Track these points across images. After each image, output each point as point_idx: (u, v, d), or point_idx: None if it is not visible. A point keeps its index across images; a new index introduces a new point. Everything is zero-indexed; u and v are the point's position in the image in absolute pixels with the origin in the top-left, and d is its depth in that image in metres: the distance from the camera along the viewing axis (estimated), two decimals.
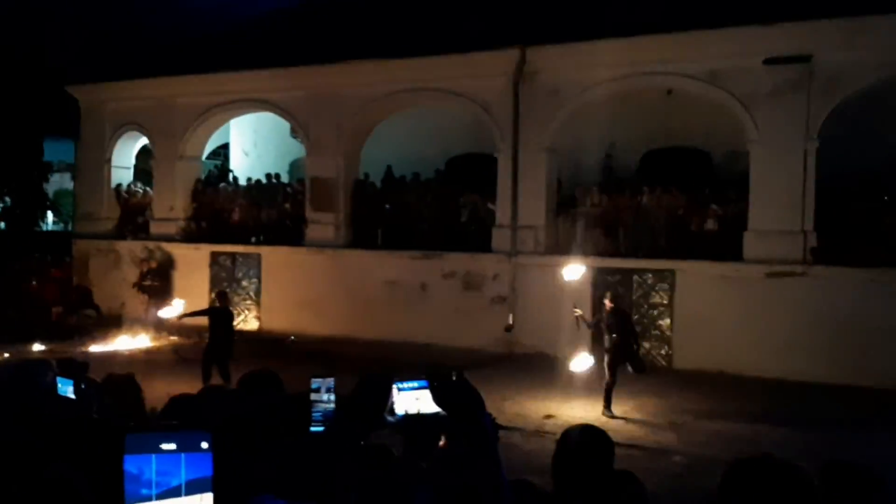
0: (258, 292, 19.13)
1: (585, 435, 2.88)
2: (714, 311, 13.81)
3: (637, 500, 2.84)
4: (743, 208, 14.68)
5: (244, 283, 19.45)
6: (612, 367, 11.23)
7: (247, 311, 19.16)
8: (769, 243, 14.21)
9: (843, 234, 13.93)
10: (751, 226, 14.55)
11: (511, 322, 16.24)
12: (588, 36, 15.32)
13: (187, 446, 1.52)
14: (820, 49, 13.89)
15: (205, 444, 1.54)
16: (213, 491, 1.54)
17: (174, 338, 17.47)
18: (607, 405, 11.29)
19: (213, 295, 13.73)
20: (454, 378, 2.36)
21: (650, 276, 15.09)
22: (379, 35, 18.49)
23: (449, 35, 17.27)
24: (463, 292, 16.87)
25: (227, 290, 16.24)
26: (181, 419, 3.09)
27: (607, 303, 11.62)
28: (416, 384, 2.45)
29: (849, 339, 13.11)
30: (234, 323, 13.70)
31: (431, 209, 17.97)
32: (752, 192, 14.58)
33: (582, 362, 11.50)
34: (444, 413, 2.38)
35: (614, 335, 11.25)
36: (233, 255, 19.57)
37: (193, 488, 1.51)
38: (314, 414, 2.65)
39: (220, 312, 12.75)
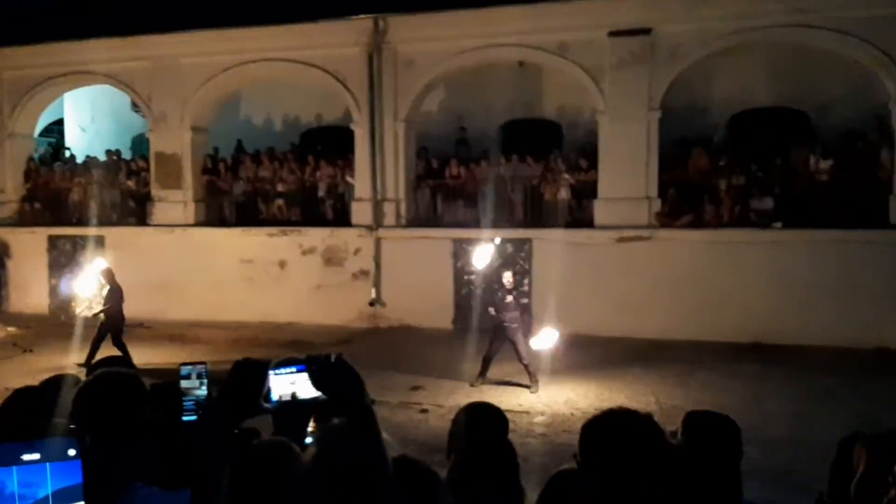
0: None
1: (479, 412, 2.90)
2: (569, 276, 14.32)
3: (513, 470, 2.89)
4: (593, 176, 15.27)
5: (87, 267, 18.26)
6: (498, 340, 11.28)
7: (90, 298, 18.01)
8: (617, 210, 14.86)
9: (685, 199, 14.80)
10: (600, 194, 15.16)
11: (375, 296, 16.19)
12: (441, 6, 15.32)
13: (52, 455, 1.37)
14: (660, 22, 14.55)
15: (72, 452, 1.39)
16: (84, 500, 1.40)
17: (11, 329, 16.27)
18: (483, 374, 11.43)
19: (102, 272, 13.18)
20: (332, 360, 2.28)
21: (509, 245, 15.43)
22: (226, 3, 17.68)
23: (300, 3, 16.75)
24: (324, 268, 16.63)
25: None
26: (24, 413, 2.84)
27: (509, 279, 11.54)
28: (292, 368, 2.36)
29: (691, 297, 13.99)
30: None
31: (287, 184, 17.55)
32: (600, 161, 15.18)
33: (547, 339, 11.36)
34: (322, 397, 2.30)
35: (514, 311, 11.25)
36: (73, 239, 18.31)
37: (62, 499, 1.36)
38: (186, 403, 2.50)
39: (113, 289, 12.79)
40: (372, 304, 16.19)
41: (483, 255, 11.85)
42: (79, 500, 1.41)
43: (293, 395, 2.36)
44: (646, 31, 14.63)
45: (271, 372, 2.36)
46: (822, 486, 3.29)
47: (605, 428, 2.39)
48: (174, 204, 17.71)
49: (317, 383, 2.26)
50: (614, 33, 14.74)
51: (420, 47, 16.01)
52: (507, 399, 10.65)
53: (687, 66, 14.77)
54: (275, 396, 2.36)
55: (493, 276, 11.86)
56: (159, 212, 17.84)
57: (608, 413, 2.45)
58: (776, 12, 13.93)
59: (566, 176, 15.68)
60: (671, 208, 14.88)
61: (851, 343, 12.85)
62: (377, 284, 16.22)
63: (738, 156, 15.00)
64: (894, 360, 12.51)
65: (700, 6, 14.16)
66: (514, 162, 16.02)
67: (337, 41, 16.29)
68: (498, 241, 12.38)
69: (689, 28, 14.43)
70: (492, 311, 11.24)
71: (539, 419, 9.93)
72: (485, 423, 2.87)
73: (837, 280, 13.37)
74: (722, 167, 14.91)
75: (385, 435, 2.23)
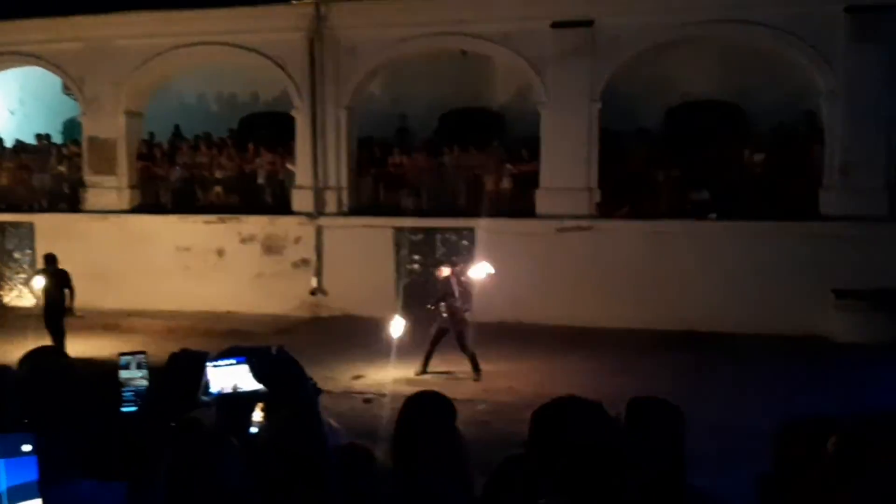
0: (33, 264, 17.39)
1: (427, 401, 2.89)
2: (511, 266, 14.39)
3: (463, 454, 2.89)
4: (535, 167, 15.38)
5: (16, 255, 17.69)
6: (442, 334, 11.29)
7: (21, 286, 17.42)
8: (559, 200, 15.01)
9: (624, 190, 15.02)
10: (542, 184, 15.28)
11: (316, 285, 16.04)
12: None
13: (6, 451, 1.31)
14: (602, 14, 14.71)
15: (27, 447, 1.34)
16: (41, 496, 1.35)
17: None
18: (425, 363, 11.42)
19: (43, 258, 12.81)
20: (274, 352, 2.25)
21: (452, 234, 15.46)
22: None
23: None
24: (264, 256, 16.39)
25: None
26: None
27: (446, 271, 11.53)
28: (231, 360, 2.31)
29: (630, 286, 14.22)
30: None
31: (225, 170, 17.21)
32: (542, 152, 15.29)
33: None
34: (263, 389, 2.27)
35: (456, 302, 11.25)
36: (1, 225, 17.65)
37: (17, 495, 1.30)
38: (125, 393, 2.42)
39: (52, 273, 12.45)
40: (313, 292, 16.04)
41: (397, 327, 11.52)
42: (35, 497, 1.35)
43: (234, 388, 2.31)
44: (588, 24, 14.77)
45: (210, 365, 2.30)
46: (753, 469, 3.38)
47: (554, 415, 2.41)
48: (108, 190, 17.22)
49: (258, 376, 2.22)
50: (557, 24, 14.85)
51: (362, 34, 15.86)
52: (450, 387, 10.63)
53: (627, 59, 14.97)
54: (214, 389, 2.31)
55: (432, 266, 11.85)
56: (92, 198, 17.33)
57: (558, 400, 2.47)
58: (714, 8, 14.23)
59: (508, 166, 15.76)
60: (611, 199, 15.09)
61: (782, 330, 13.26)
62: (318, 273, 16.07)
63: (675, 148, 15.28)
64: (823, 346, 12.96)
65: (639, 0, 14.37)
66: (457, 152, 16.02)
67: (277, 26, 16.02)
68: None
69: (629, 21, 14.62)
70: (433, 306, 11.25)
71: (481, 407, 9.98)
72: (433, 411, 2.86)
73: (769, 270, 13.75)
74: (660, 159, 15.17)
75: (333, 422, 2.21)
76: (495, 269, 13.49)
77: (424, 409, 2.87)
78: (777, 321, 13.38)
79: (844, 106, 13.92)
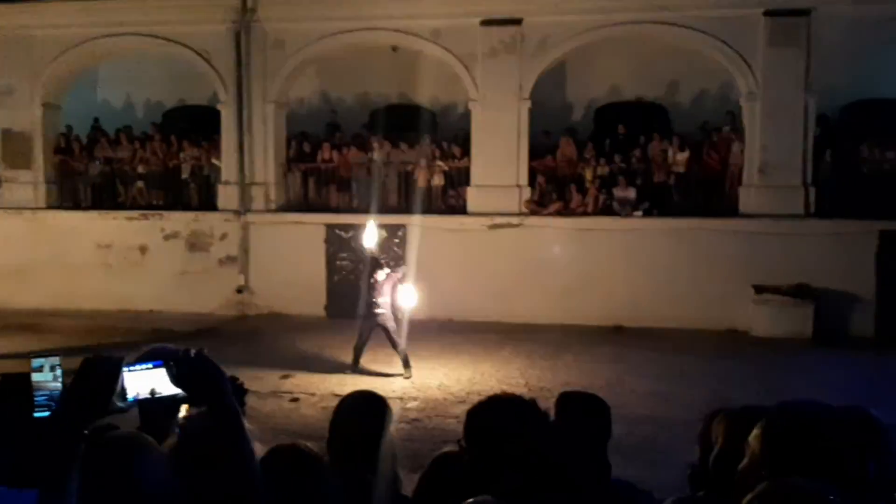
0: None
1: (361, 400, 2.85)
2: (443, 262, 14.43)
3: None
4: (467, 164, 15.43)
5: None
6: (370, 326, 11.21)
7: None
8: (489, 197, 15.09)
9: (553, 187, 15.21)
10: (473, 181, 15.34)
11: (243, 283, 15.72)
12: None
13: None
14: (530, 13, 14.84)
15: None
16: None
17: None
18: (356, 361, 11.32)
19: None
20: (193, 356, 2.17)
21: (383, 231, 15.33)
22: None
23: None
24: (188, 254, 15.98)
25: None
26: None
27: (382, 275, 11.38)
28: (148, 364, 2.21)
29: (558, 283, 14.40)
30: None
31: (148, 165, 16.72)
32: (473, 149, 15.35)
33: (409, 296, 11.11)
34: (182, 394, 2.19)
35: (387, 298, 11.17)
36: None
37: None
38: (38, 398, 2.29)
39: None
40: (239, 291, 15.72)
41: (371, 233, 11.61)
42: None
43: (152, 393, 2.22)
44: (516, 22, 14.88)
45: (126, 369, 2.20)
46: (679, 459, 3.44)
47: (489, 413, 2.42)
48: (23, 185, 16.52)
49: (176, 380, 2.14)
50: (486, 22, 14.91)
51: (290, 27, 15.61)
52: (381, 385, 10.60)
53: (556, 58, 15.15)
54: (131, 395, 2.21)
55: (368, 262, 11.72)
56: (7, 193, 16.61)
57: (492, 398, 2.48)
58: (640, 9, 14.51)
59: (440, 163, 15.77)
60: (540, 196, 15.26)
61: (705, 325, 13.64)
62: (245, 271, 15.76)
63: (602, 147, 15.54)
64: (744, 339, 13.40)
65: (568, 0, 14.55)
66: (388, 148, 15.93)
67: (203, 17, 15.63)
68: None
69: (557, 20, 14.79)
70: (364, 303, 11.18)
71: (412, 405, 9.95)
72: (369, 411, 2.82)
73: (692, 266, 14.12)
74: (587, 157, 15.41)
75: (250, 426, 2.15)
76: (426, 265, 13.51)
77: (360, 408, 2.82)
78: (700, 315, 13.75)
79: (763, 107, 14.38)
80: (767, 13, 14.17)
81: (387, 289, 11.14)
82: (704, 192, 14.85)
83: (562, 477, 2.25)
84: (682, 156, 15.08)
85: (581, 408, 3.13)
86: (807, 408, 2.27)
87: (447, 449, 2.71)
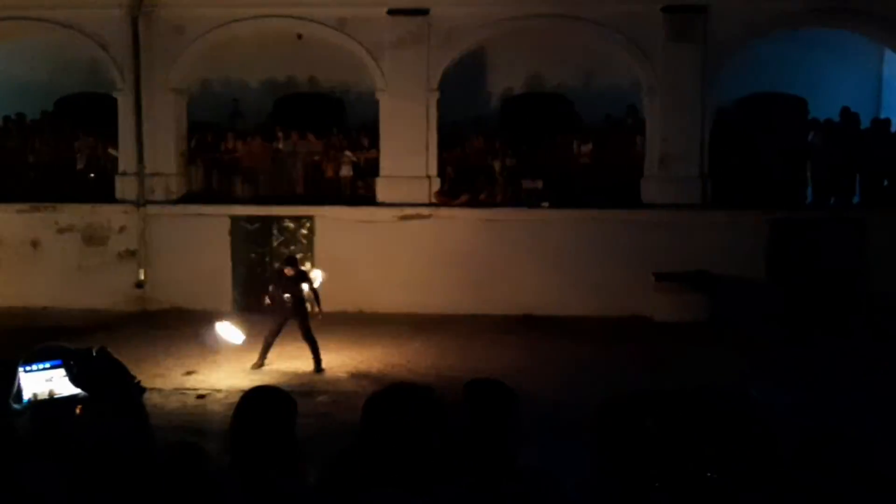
0: None
1: (264, 396, 2.77)
2: (352, 254, 14.31)
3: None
4: (375, 155, 15.32)
5: None
6: (279, 319, 11.01)
7: None
8: (399, 188, 15.03)
9: (462, 179, 15.27)
10: (382, 172, 15.25)
11: (142, 277, 15.17)
12: None
13: None
14: (437, 3, 14.82)
15: None
16: None
17: None
18: (263, 355, 11.08)
19: None
20: (94, 354, 2.07)
21: (290, 222, 15.10)
22: None
23: None
24: (84, 247, 15.30)
25: None
26: None
27: (288, 270, 11.16)
28: (46, 364, 2.09)
29: (468, 273, 14.49)
30: None
31: (40, 155, 15.90)
32: (381, 139, 15.25)
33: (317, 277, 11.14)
34: (82, 393, 2.09)
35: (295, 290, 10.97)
36: None
37: None
38: None
39: None
40: (139, 285, 15.16)
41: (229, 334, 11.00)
42: None
43: (50, 393, 2.11)
44: (424, 12, 14.84)
45: (21, 369, 2.08)
46: (585, 443, 3.51)
47: (385, 402, 2.40)
48: None
49: (76, 380, 2.04)
50: (393, 11, 14.82)
51: (190, 13, 15.12)
52: (290, 380, 10.46)
53: (464, 49, 15.20)
54: (27, 396, 2.09)
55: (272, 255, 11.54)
56: None
57: (389, 388, 2.47)
58: (546, 2, 14.70)
59: (348, 153, 15.60)
60: (450, 187, 15.30)
61: (610, 312, 14.00)
62: (145, 265, 15.20)
63: (510, 138, 15.70)
64: (647, 326, 13.82)
65: None
66: (294, 137, 15.65)
67: (96, 2, 14.95)
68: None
69: (464, 12, 14.84)
70: (270, 289, 11.00)
71: (322, 398, 9.85)
72: (269, 407, 2.74)
73: (597, 255, 14.45)
74: (496, 149, 15.54)
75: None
76: (336, 258, 13.38)
77: (261, 405, 2.74)
78: (605, 303, 14.11)
79: (663, 101, 14.83)
80: (665, 9, 14.61)
81: (296, 282, 10.97)
82: (608, 183, 15.21)
83: (464, 463, 2.26)
84: (587, 147, 15.40)
85: (487, 395, 3.13)
86: (693, 392, 2.37)
87: (345, 446, 2.68)
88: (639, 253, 14.35)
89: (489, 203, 15.14)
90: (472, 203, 15.16)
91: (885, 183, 15.09)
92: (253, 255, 15.02)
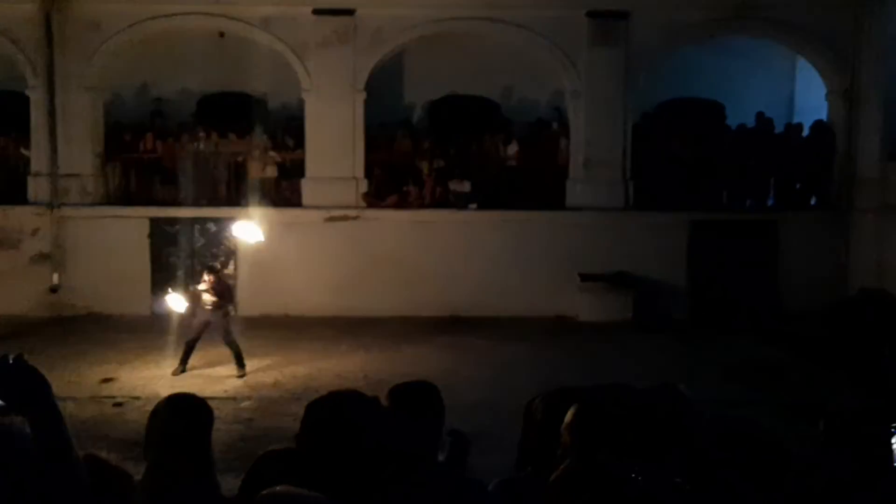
0: None
1: (178, 404, 2.68)
2: (277, 256, 14.07)
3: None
4: (301, 156, 15.11)
5: None
6: (200, 324, 10.73)
7: None
8: (325, 190, 14.86)
9: (390, 180, 15.20)
10: (308, 173, 15.05)
11: (57, 282, 14.57)
12: None
13: None
14: (363, 4, 14.72)
15: None
16: None
17: None
18: (184, 361, 10.77)
19: None
20: (11, 362, 1.97)
21: (212, 224, 14.75)
22: None
23: None
24: None
25: None
26: None
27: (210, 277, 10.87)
28: None
29: (397, 275, 14.43)
30: None
31: None
32: (307, 140, 15.06)
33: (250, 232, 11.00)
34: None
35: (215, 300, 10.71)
36: None
37: None
38: None
39: None
40: (53, 290, 14.56)
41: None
42: None
43: None
44: (349, 12, 14.73)
45: None
46: (511, 444, 3.51)
47: (326, 409, 2.37)
48: None
49: None
50: (318, 11, 14.66)
51: (107, 9, 14.63)
52: (212, 386, 10.22)
53: (390, 50, 15.14)
54: None
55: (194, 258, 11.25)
56: None
57: (332, 394, 2.44)
58: (472, 6, 14.76)
59: (272, 154, 15.34)
60: (377, 189, 15.21)
61: (536, 312, 14.16)
62: (60, 269, 14.62)
63: (438, 140, 15.71)
64: (571, 326, 14.03)
65: None
66: (216, 137, 15.30)
67: None
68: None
69: (390, 13, 14.79)
70: (191, 291, 10.73)
71: (246, 404, 9.65)
72: (183, 416, 2.65)
73: (524, 256, 14.59)
74: (424, 151, 15.53)
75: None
76: (260, 260, 13.14)
77: (175, 412, 2.65)
78: (532, 304, 14.25)
79: (586, 105, 15.07)
80: (589, 14, 14.86)
81: (217, 285, 10.72)
82: (535, 185, 15.37)
83: (397, 467, 2.24)
84: (514, 150, 15.53)
85: (412, 398, 3.11)
86: (616, 391, 2.40)
87: (273, 447, 2.62)
88: (565, 254, 14.56)
89: (417, 205, 15.12)
90: (400, 205, 15.12)
91: (798, 186, 15.70)
92: (173, 258, 14.61)
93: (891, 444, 2.90)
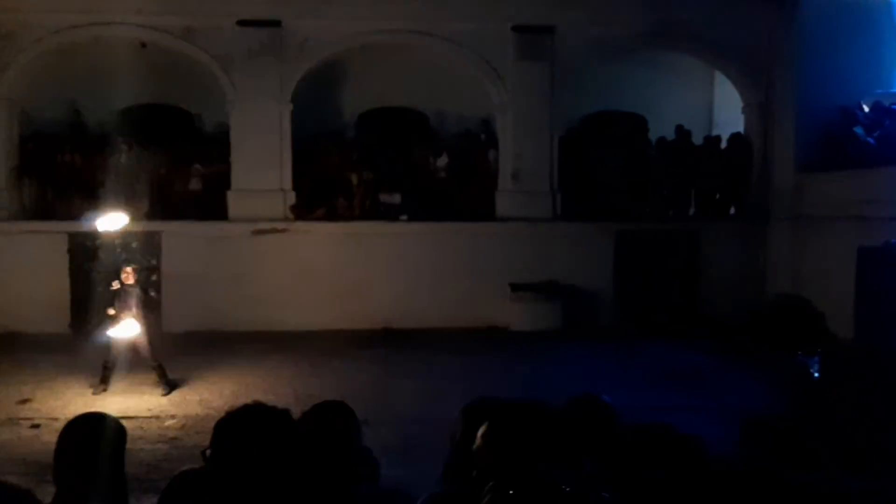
0: None
1: (87, 424, 2.58)
2: (203, 271, 13.77)
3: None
4: (226, 168, 14.85)
5: None
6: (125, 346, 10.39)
7: None
8: (252, 202, 14.64)
9: (319, 192, 15.06)
10: (234, 185, 14.80)
11: None
12: None
13: None
14: (289, 15, 14.61)
15: None
16: None
17: None
18: (105, 380, 10.42)
19: None
20: None
21: (134, 239, 14.33)
22: None
23: None
24: None
25: None
26: None
27: (130, 278, 10.51)
28: None
29: (327, 288, 14.29)
30: None
31: None
32: (233, 152, 14.82)
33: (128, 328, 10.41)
34: None
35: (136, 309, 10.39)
36: None
37: None
38: None
39: None
40: None
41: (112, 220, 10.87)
42: None
43: None
44: (275, 24, 14.59)
45: None
46: (441, 457, 3.50)
47: (237, 424, 2.32)
48: None
49: None
50: (243, 22, 14.48)
51: (20, 18, 14.14)
52: (135, 404, 9.91)
53: (318, 62, 15.04)
54: None
55: (112, 272, 10.90)
56: None
57: (241, 409, 2.40)
58: (399, 18, 14.79)
59: (197, 166, 15.03)
60: (306, 201, 15.05)
61: (468, 323, 14.21)
62: None
63: (368, 152, 15.66)
64: (502, 336, 14.13)
65: (326, 5, 14.50)
66: (139, 150, 14.89)
67: None
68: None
69: (317, 25, 14.71)
70: (110, 312, 10.37)
71: (170, 423, 9.37)
72: (93, 435, 2.56)
73: (455, 267, 14.65)
74: (353, 162, 15.45)
75: None
76: (186, 275, 12.82)
77: (86, 433, 2.56)
78: (463, 314, 14.30)
79: (514, 117, 15.27)
80: (515, 28, 15.08)
81: (134, 299, 10.41)
82: (465, 196, 15.46)
83: (311, 484, 2.20)
84: (443, 161, 15.59)
85: (328, 415, 3.12)
86: (536, 402, 2.43)
87: (186, 467, 2.55)
88: (495, 265, 14.67)
89: (347, 217, 15.03)
90: (329, 217, 15.00)
91: (717, 196, 16.21)
92: (94, 273, 14.13)
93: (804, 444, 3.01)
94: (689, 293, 15.07)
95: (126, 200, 14.38)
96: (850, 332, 10.92)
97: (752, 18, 15.32)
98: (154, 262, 14.27)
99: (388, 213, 15.12)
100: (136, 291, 10.51)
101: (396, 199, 15.25)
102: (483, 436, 2.26)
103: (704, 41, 15.50)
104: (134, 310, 10.34)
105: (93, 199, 14.62)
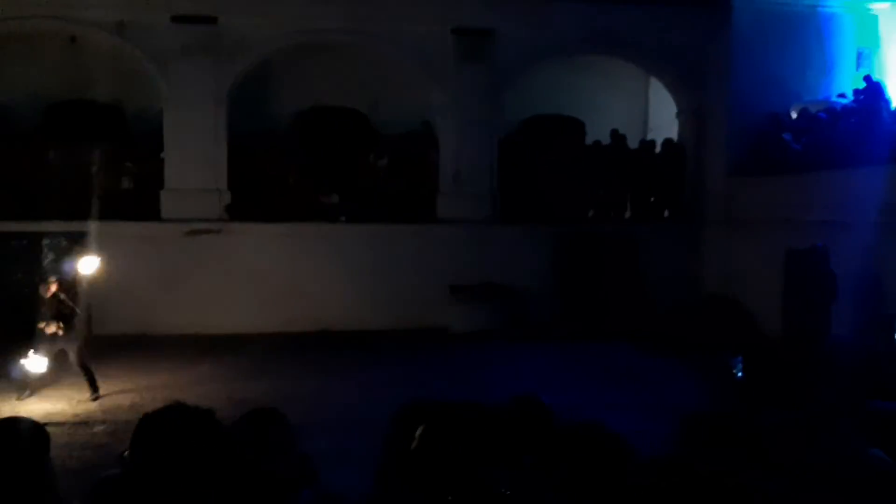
0: None
1: (5, 429, 2.46)
2: (134, 272, 13.39)
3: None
4: (159, 166, 14.48)
5: None
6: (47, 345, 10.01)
7: None
8: (186, 202, 14.31)
9: (256, 192, 14.79)
10: (167, 184, 14.45)
11: None
12: None
13: None
14: (225, 12, 14.33)
15: None
16: None
17: None
18: (28, 385, 10.02)
19: None
20: None
21: (63, 239, 13.86)
22: None
23: None
24: None
25: None
26: None
27: (53, 286, 10.12)
28: None
29: (264, 290, 14.05)
30: None
31: None
32: (166, 150, 14.46)
33: (89, 265, 10.39)
34: None
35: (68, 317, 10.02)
36: None
37: None
38: None
39: None
40: None
41: (90, 263, 10.55)
42: None
43: None
44: (212, 20, 14.30)
45: None
46: (375, 459, 3.45)
47: (156, 425, 2.24)
48: None
49: None
50: (178, 19, 14.15)
51: None
52: (63, 410, 9.57)
53: (255, 60, 14.80)
54: None
55: (41, 276, 10.52)
56: None
57: (161, 410, 2.32)
58: (339, 18, 14.66)
59: (129, 164, 14.62)
60: (242, 201, 14.78)
61: (408, 324, 14.15)
62: None
63: (305, 152, 15.45)
64: (442, 337, 14.10)
65: (263, 2, 14.29)
66: (66, 147, 14.40)
67: None
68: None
69: (254, 22, 14.49)
70: (40, 325, 9.98)
71: (99, 428, 9.06)
72: (12, 442, 2.43)
73: (395, 269, 14.58)
74: (291, 162, 15.23)
75: None
76: (115, 277, 12.44)
77: (5, 439, 2.43)
78: (404, 316, 14.25)
79: (455, 119, 15.28)
80: (455, 31, 15.10)
81: (60, 303, 10.05)
82: (405, 198, 15.39)
83: (246, 492, 2.14)
84: (383, 163, 15.51)
85: (258, 422, 3.06)
86: (468, 403, 2.41)
87: (107, 472, 2.45)
88: (435, 266, 14.65)
89: (284, 217, 14.80)
90: (266, 217, 14.75)
91: (652, 199, 16.52)
92: (19, 275, 13.61)
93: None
94: (625, 294, 15.28)
95: (54, 199, 13.95)
96: (778, 330, 11.24)
97: (687, 26, 15.66)
98: (82, 264, 13.77)
99: (326, 214, 14.95)
100: (56, 303, 10.09)
101: (335, 199, 15.11)
102: (420, 437, 2.22)
103: (640, 47, 15.78)
104: (57, 323, 9.95)
105: (16, 198, 14.13)
